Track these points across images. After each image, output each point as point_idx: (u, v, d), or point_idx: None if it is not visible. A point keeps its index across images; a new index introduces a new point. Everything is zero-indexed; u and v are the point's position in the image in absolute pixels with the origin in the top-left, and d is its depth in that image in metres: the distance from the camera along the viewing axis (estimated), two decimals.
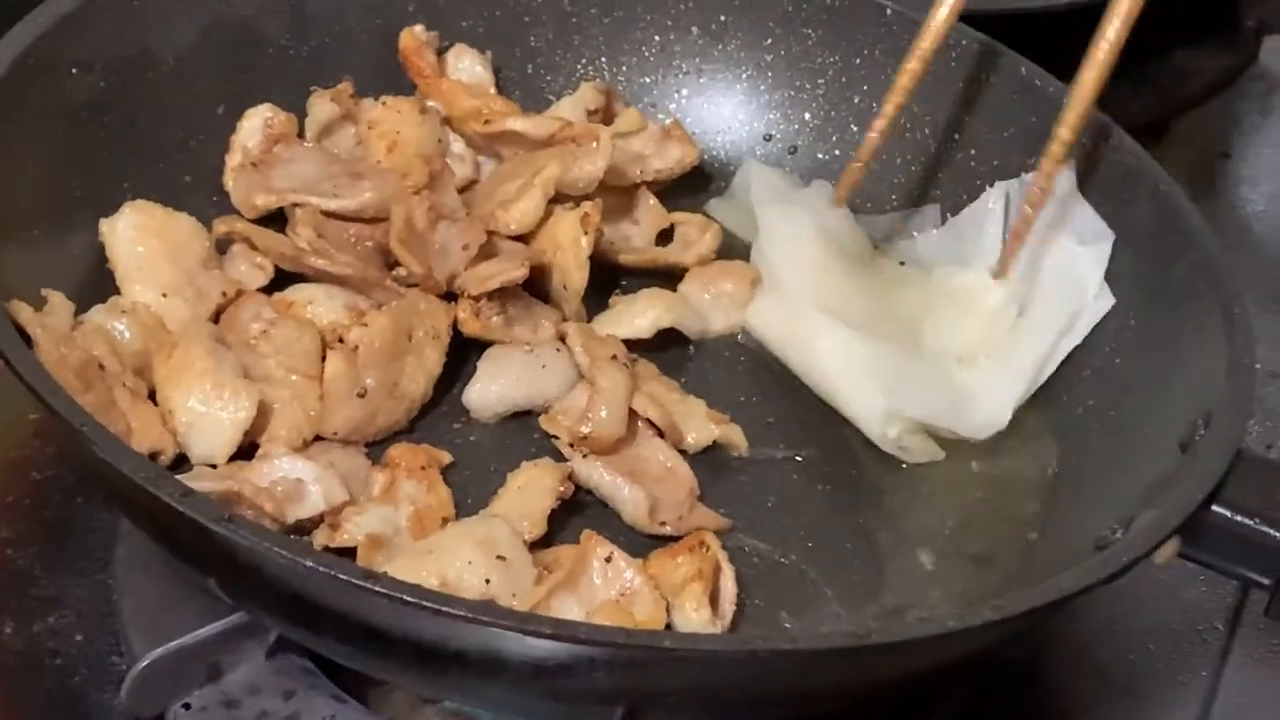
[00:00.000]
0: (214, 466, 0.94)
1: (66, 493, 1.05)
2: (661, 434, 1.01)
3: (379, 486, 0.95)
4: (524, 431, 1.02)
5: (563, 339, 1.05)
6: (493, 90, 1.19)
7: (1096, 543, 0.92)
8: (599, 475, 0.98)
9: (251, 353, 0.99)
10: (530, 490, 0.96)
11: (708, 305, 1.12)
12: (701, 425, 1.03)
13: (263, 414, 0.96)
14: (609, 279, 1.12)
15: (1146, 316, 1.04)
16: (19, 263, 0.96)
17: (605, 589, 0.89)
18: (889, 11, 1.19)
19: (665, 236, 1.17)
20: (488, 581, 0.89)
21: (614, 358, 1.02)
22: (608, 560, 0.89)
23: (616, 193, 1.15)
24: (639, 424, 1.02)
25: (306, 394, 0.98)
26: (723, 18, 1.22)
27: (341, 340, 0.99)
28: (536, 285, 1.07)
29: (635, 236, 1.16)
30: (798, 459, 1.04)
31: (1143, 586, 1.06)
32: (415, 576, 0.87)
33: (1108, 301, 1.06)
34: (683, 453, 1.02)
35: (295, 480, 0.93)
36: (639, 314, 1.08)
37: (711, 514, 0.98)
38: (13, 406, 1.07)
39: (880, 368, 1.06)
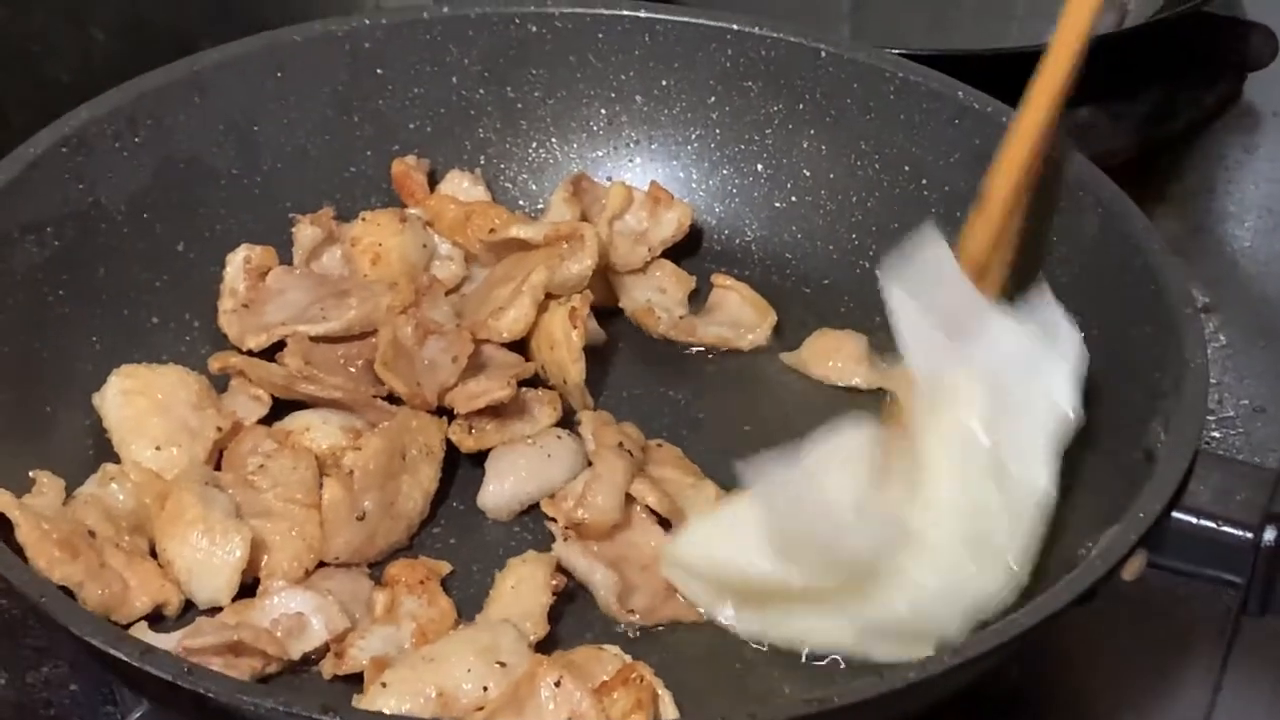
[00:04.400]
0: (220, 609, 0.97)
1: None
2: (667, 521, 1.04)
3: (380, 607, 0.98)
4: (520, 525, 1.06)
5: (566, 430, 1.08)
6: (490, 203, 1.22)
7: (1067, 565, 0.93)
8: (576, 558, 1.00)
9: (249, 488, 1.02)
10: (524, 588, 0.99)
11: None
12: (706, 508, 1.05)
13: (261, 549, 0.99)
14: None
15: (1101, 329, 1.05)
16: (3, 447, 0.99)
17: (554, 714, 0.89)
18: (823, 54, 1.21)
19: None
20: (485, 689, 0.91)
21: (620, 445, 1.05)
22: (557, 685, 0.90)
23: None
24: (638, 510, 1.04)
25: (306, 523, 1.01)
26: (664, 82, 1.25)
27: (336, 466, 1.02)
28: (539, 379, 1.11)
29: (670, 306, 1.20)
30: None
31: (1139, 590, 1.04)
32: (413, 686, 0.90)
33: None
34: None
35: (296, 614, 0.96)
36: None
37: (686, 607, 1.00)
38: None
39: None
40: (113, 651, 0.82)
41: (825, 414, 1.04)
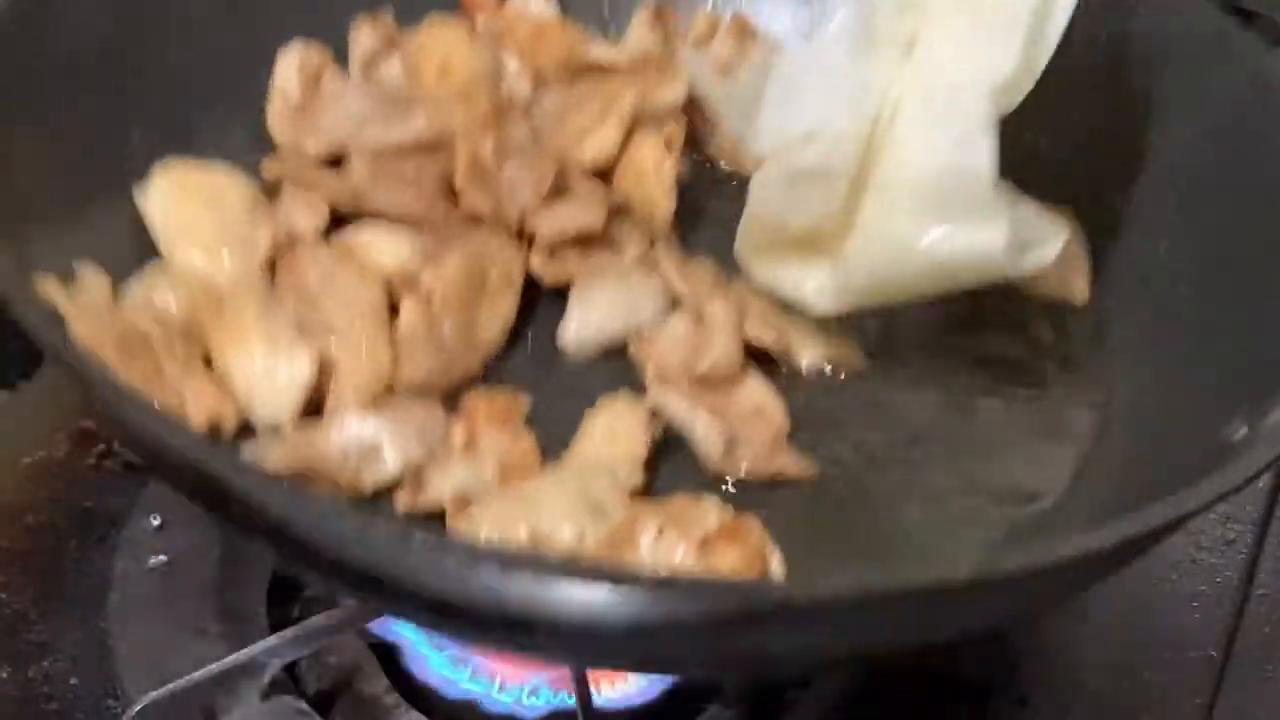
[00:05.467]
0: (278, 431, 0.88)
1: (60, 536, 1.04)
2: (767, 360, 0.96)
3: (460, 439, 0.88)
4: (597, 366, 0.96)
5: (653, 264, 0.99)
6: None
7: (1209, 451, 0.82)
8: (676, 405, 0.91)
9: (311, 304, 0.92)
10: (618, 431, 0.90)
11: None
12: (814, 345, 0.97)
13: (327, 369, 0.89)
14: None
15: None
16: (42, 236, 0.88)
17: (655, 565, 0.81)
18: None
19: None
20: (583, 534, 0.82)
21: (715, 282, 0.96)
22: (659, 534, 0.82)
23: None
24: None
25: (374, 345, 0.91)
26: None
27: (408, 285, 0.92)
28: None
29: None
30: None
31: (1134, 610, 1.05)
32: (502, 527, 0.82)
33: None
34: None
35: (368, 441, 0.86)
36: None
37: (797, 460, 0.91)
38: (5, 450, 1.08)
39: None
40: (207, 467, 0.71)
41: None
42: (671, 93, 1.03)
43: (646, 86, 1.03)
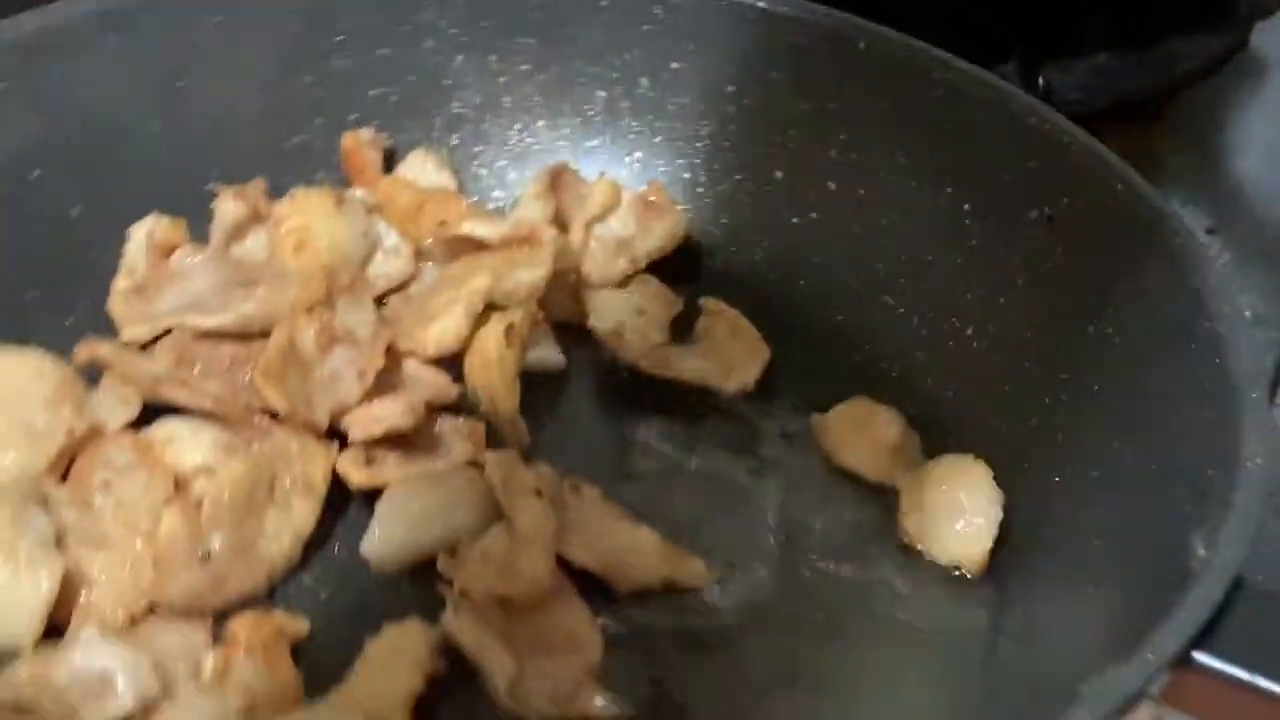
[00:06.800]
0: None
1: None
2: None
3: (209, 670, 0.80)
4: (402, 582, 0.87)
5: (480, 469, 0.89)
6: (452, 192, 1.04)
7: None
8: (468, 633, 0.81)
9: (87, 510, 0.85)
10: (395, 665, 0.80)
11: None
12: (650, 564, 0.87)
13: (79, 585, 0.82)
14: None
15: (1151, 405, 0.85)
16: None
17: None
18: (862, 45, 1.01)
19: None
20: None
21: (537, 492, 0.87)
22: None
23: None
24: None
25: (142, 558, 0.84)
26: (674, 65, 1.06)
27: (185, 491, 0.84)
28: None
29: (647, 330, 1.01)
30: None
31: None
32: None
33: None
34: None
35: (99, 671, 0.78)
36: None
37: (604, 703, 0.81)
38: None
39: None
40: None
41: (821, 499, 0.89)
42: (530, 275, 0.93)
43: (508, 269, 0.94)
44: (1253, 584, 0.74)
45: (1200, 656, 0.71)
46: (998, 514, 0.89)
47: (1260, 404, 0.80)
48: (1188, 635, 0.71)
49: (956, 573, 0.89)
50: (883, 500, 0.92)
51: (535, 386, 0.94)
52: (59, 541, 0.83)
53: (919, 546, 0.90)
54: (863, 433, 0.95)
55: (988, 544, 0.88)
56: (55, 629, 0.81)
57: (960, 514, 0.89)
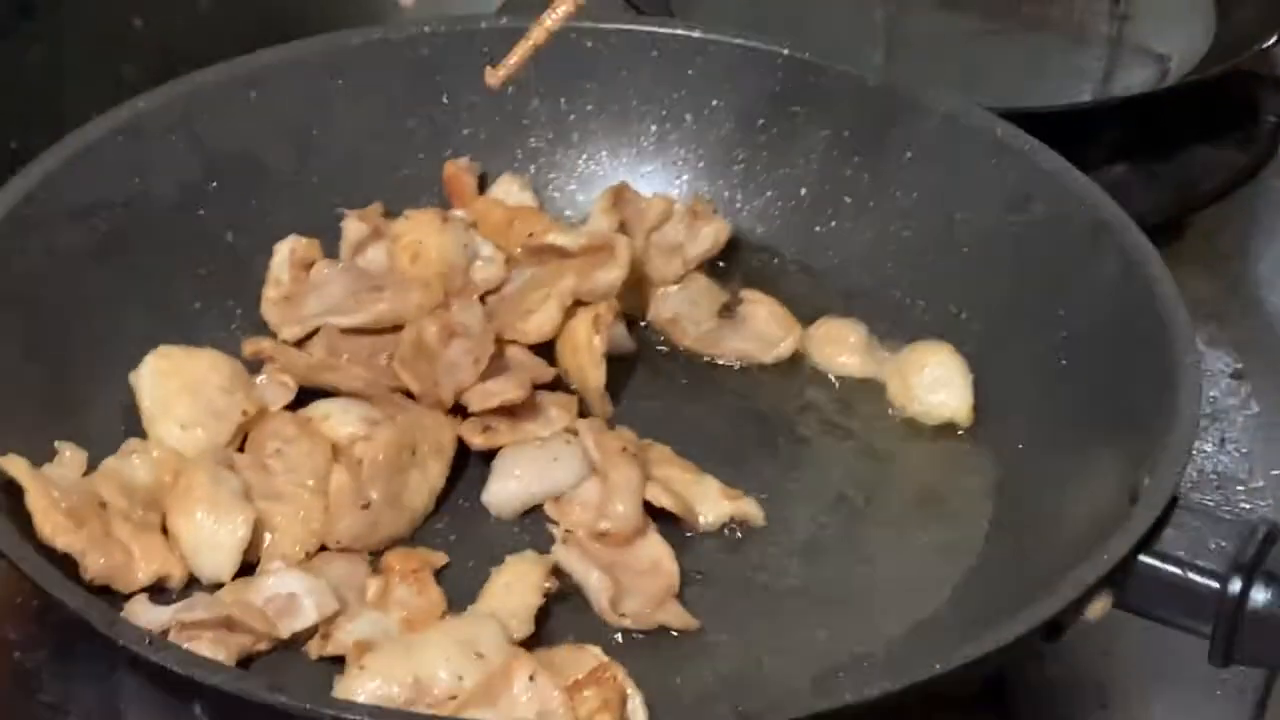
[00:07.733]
0: (221, 585, 1.01)
1: None
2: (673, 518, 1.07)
3: (372, 592, 1.01)
4: (516, 525, 1.08)
5: (575, 433, 1.10)
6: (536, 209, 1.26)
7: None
8: (574, 561, 1.03)
9: (264, 471, 1.06)
10: (516, 586, 1.02)
11: None
12: (715, 504, 1.08)
13: (265, 530, 1.03)
14: None
15: (1111, 376, 1.06)
16: (33, 419, 1.04)
17: (526, 708, 0.92)
18: (870, 83, 1.24)
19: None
20: (461, 679, 0.94)
21: (624, 449, 1.07)
22: (531, 679, 0.92)
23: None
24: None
25: (311, 508, 1.04)
26: (714, 102, 1.28)
27: (346, 454, 1.06)
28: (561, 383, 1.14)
29: (699, 319, 1.22)
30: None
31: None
32: (391, 671, 0.93)
33: None
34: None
35: (289, 594, 0.99)
36: None
37: (681, 614, 1.02)
38: None
39: None
40: (82, 614, 0.86)
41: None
42: (609, 276, 1.15)
43: (589, 270, 1.15)
44: (1186, 501, 0.96)
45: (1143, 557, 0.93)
46: (970, 376, 1.13)
47: (1193, 368, 1.02)
48: (1134, 541, 0.93)
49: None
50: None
51: (611, 367, 1.14)
52: (246, 496, 1.05)
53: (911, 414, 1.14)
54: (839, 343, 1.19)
55: (970, 397, 1.13)
56: (247, 567, 1.02)
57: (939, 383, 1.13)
